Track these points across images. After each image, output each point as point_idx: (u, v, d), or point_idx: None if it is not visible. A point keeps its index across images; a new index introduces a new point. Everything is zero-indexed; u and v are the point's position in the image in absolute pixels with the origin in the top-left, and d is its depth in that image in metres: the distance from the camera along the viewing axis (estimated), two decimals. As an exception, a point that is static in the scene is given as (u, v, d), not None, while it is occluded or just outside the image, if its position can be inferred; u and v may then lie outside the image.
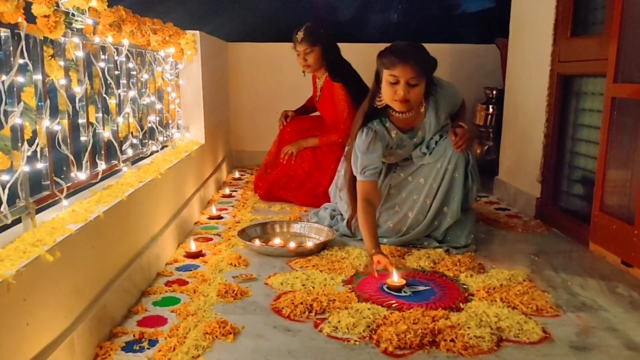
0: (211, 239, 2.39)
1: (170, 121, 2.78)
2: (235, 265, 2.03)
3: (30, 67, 1.33)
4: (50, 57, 1.45)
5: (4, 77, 1.22)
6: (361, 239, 2.22)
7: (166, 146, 2.72)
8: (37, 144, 1.35)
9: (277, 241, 2.29)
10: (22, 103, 1.26)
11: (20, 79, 1.25)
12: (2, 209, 1.19)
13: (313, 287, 1.82)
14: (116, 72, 1.96)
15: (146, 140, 2.33)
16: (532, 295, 1.74)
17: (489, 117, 3.89)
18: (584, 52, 2.38)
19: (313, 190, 2.97)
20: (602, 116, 2.16)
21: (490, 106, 3.86)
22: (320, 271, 1.98)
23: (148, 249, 1.89)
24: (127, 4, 1.92)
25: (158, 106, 2.52)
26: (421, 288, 1.84)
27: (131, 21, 1.93)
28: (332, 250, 2.20)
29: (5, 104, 1.24)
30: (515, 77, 3.11)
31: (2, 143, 1.23)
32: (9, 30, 1.21)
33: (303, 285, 1.84)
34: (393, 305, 1.69)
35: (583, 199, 2.45)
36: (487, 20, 4.96)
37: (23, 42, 1.26)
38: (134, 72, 2.17)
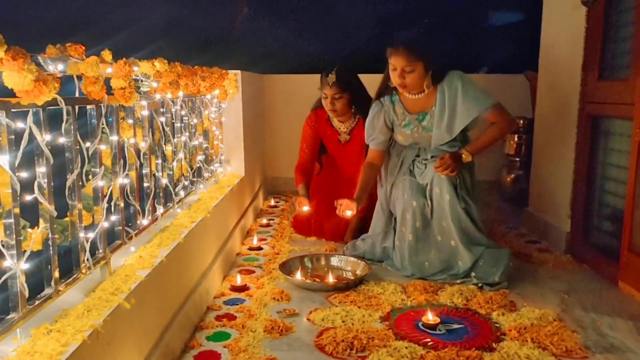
0: (253, 272, 2.54)
1: (214, 157, 2.96)
2: (278, 300, 2.17)
3: (107, 131, 1.51)
4: (122, 119, 1.63)
5: (87, 144, 1.40)
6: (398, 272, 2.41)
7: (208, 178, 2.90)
8: (112, 200, 1.52)
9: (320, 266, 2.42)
10: (103, 167, 1.44)
11: (102, 147, 1.42)
12: (86, 260, 1.36)
13: (352, 324, 1.95)
14: (172, 121, 2.14)
15: (195, 179, 2.51)
16: (562, 336, 1.83)
17: (519, 146, 3.97)
18: (611, 95, 2.46)
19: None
20: (629, 158, 2.24)
21: (521, 135, 3.94)
22: (358, 307, 2.11)
23: (200, 285, 2.05)
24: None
25: (204, 145, 2.70)
26: (455, 326, 1.94)
27: (186, 75, 2.11)
28: (369, 285, 2.33)
29: (88, 162, 1.42)
30: (544, 113, 3.20)
31: (85, 202, 1.40)
32: (94, 105, 1.39)
33: (343, 321, 1.97)
34: (429, 344, 1.80)
35: (613, 236, 2.51)
36: (516, 35, 4.99)
37: (104, 113, 1.44)
38: (186, 118, 2.35)
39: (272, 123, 4.51)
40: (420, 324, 1.94)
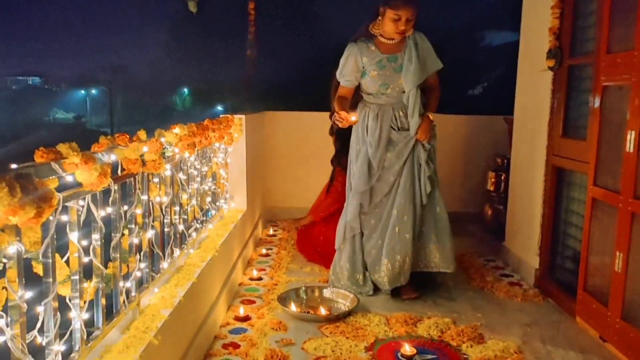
0: (254, 302, 2.85)
1: (220, 195, 3.27)
2: (276, 330, 2.48)
3: (140, 194, 1.83)
4: (149, 181, 1.95)
5: (125, 207, 1.72)
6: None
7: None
8: (142, 250, 1.84)
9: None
10: (137, 226, 1.75)
11: (137, 211, 1.74)
12: (123, 304, 1.67)
13: (341, 353, 2.26)
14: (190, 171, 2.46)
15: (204, 218, 2.82)
16: (519, 367, 2.15)
17: (499, 183, 4.32)
18: (571, 152, 2.81)
19: None
20: (585, 209, 2.58)
21: (500, 173, 4.29)
22: (347, 337, 2.42)
23: (209, 316, 2.36)
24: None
25: (213, 187, 3.02)
26: (429, 357, 2.26)
27: (200, 134, 2.44)
28: (356, 317, 2.64)
29: (125, 219, 1.74)
30: (518, 158, 3.54)
31: (125, 255, 1.72)
32: (132, 178, 1.72)
33: (332, 351, 2.28)
34: (405, 373, 2.12)
35: (573, 275, 2.84)
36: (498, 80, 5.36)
37: (139, 181, 1.76)
38: (198, 166, 2.67)
39: (272, 155, 4.84)
40: (399, 355, 2.25)
